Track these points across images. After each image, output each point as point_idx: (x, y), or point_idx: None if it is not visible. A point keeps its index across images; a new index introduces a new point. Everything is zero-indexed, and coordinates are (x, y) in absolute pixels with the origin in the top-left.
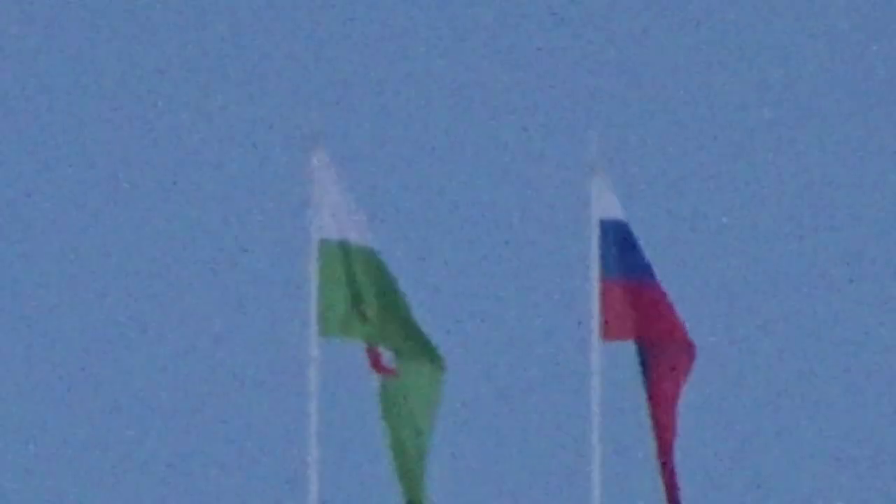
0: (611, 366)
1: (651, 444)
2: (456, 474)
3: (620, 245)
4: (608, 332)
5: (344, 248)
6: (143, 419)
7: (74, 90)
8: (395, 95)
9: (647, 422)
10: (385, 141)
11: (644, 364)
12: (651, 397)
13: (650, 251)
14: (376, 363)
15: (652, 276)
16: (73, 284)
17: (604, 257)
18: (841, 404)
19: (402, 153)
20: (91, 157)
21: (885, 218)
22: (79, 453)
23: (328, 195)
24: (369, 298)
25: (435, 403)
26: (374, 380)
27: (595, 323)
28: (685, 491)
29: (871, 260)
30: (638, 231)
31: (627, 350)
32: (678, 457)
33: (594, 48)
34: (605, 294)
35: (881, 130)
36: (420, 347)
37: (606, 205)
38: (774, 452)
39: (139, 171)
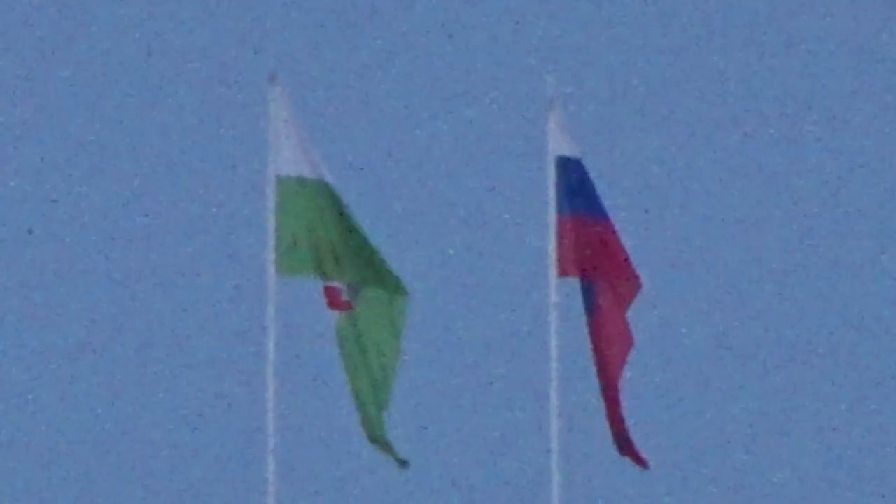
0: (567, 302)
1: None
2: (416, 409)
3: (576, 182)
4: (563, 268)
5: (301, 183)
6: (95, 358)
7: (41, 32)
8: (351, 32)
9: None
10: (341, 77)
11: (589, 302)
12: (595, 334)
13: (605, 188)
14: (334, 300)
15: (604, 213)
16: (36, 224)
17: (559, 194)
18: (788, 345)
19: (359, 89)
20: (47, 99)
21: (842, 174)
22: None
23: (285, 131)
24: (328, 232)
25: (400, 332)
26: (333, 317)
27: (551, 259)
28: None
29: (820, 199)
30: (594, 168)
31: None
32: (626, 398)
33: None
34: (560, 231)
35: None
36: (381, 277)
37: (563, 142)
38: (722, 390)
39: (93, 108)
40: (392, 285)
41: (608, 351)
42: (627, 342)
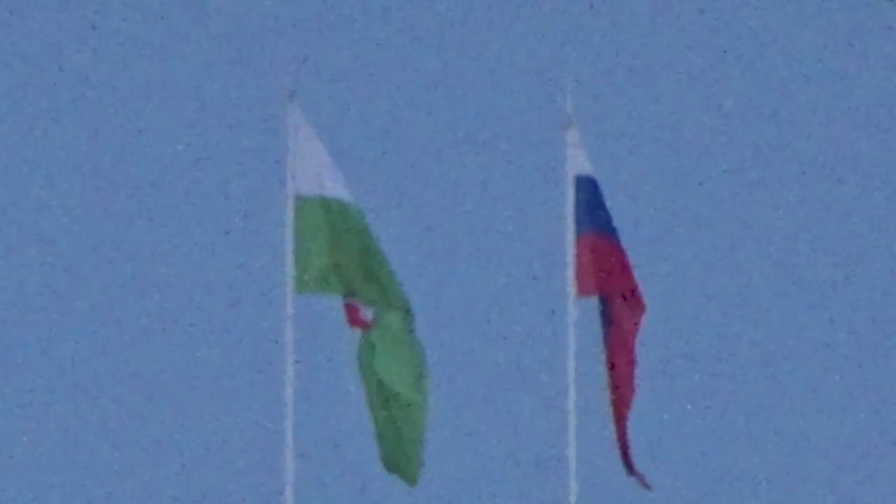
0: (585, 321)
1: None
2: (433, 427)
3: (592, 201)
4: (582, 287)
5: (321, 203)
6: (113, 379)
7: (48, 37)
8: (370, 50)
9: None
10: (360, 96)
11: (605, 319)
12: (610, 351)
13: (620, 207)
14: (354, 317)
15: (616, 234)
16: (42, 238)
17: (578, 213)
18: (795, 361)
19: (377, 108)
20: (56, 112)
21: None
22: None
23: (304, 150)
24: (347, 252)
25: (417, 358)
26: (352, 336)
27: (570, 278)
28: (638, 447)
29: (839, 216)
30: (611, 187)
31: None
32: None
33: (568, 1)
34: (579, 249)
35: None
36: (395, 301)
37: (581, 160)
38: (728, 411)
39: (111, 128)
40: (403, 311)
41: (620, 369)
42: (633, 362)
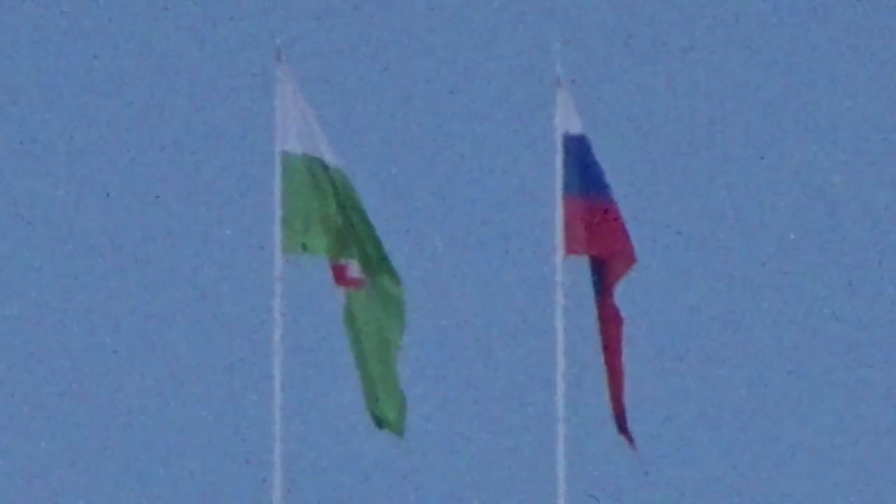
0: (573, 280)
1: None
2: (422, 389)
3: (583, 160)
4: (571, 247)
5: (308, 160)
6: (102, 340)
7: (38, 21)
8: (358, 10)
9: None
10: (349, 56)
11: (597, 281)
12: (602, 313)
13: (610, 167)
14: (342, 277)
15: (609, 193)
16: (34, 215)
17: (567, 173)
18: (786, 327)
19: (365, 66)
20: (52, 82)
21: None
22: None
23: (291, 109)
24: (333, 211)
25: (399, 317)
26: (340, 296)
27: (558, 238)
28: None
29: (820, 190)
30: (601, 147)
31: (588, 265)
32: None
33: None
34: (567, 209)
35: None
36: (380, 261)
37: (570, 120)
38: (720, 372)
39: (96, 87)
40: (388, 272)
41: (612, 330)
42: (620, 320)
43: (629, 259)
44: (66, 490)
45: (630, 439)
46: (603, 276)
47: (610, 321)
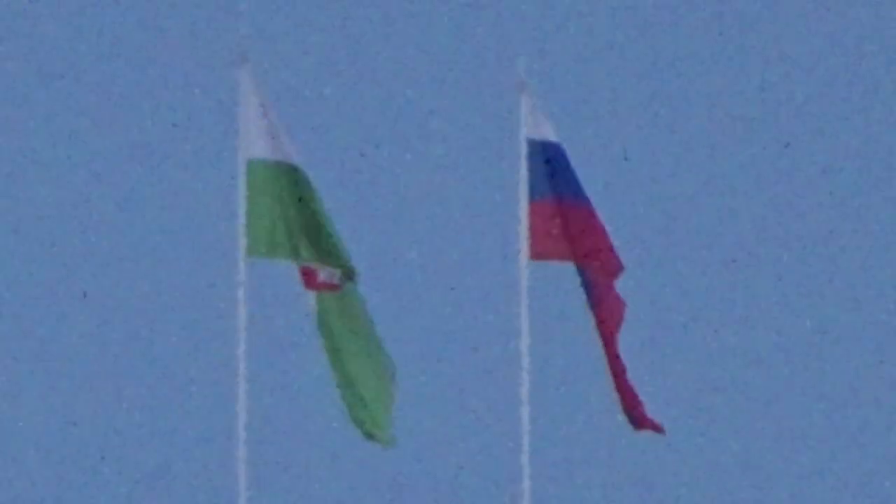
0: (538, 285)
1: (579, 364)
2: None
3: (553, 165)
4: (536, 251)
5: (272, 165)
6: (63, 344)
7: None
8: (322, 12)
9: (577, 340)
10: (312, 58)
11: (586, 286)
12: (597, 315)
13: (580, 170)
14: (311, 281)
15: (582, 196)
16: (3, 208)
17: (533, 178)
18: (773, 318)
19: (330, 70)
20: (6, 93)
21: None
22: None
23: (255, 114)
24: (299, 214)
25: (366, 319)
26: (309, 300)
27: (522, 242)
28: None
29: (805, 177)
30: (567, 150)
31: (555, 270)
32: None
33: None
34: (533, 214)
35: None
36: (342, 266)
37: (535, 124)
38: (711, 367)
39: (61, 89)
40: (349, 272)
41: (608, 330)
42: (618, 318)
43: (614, 261)
44: (32, 488)
45: (656, 428)
46: (589, 278)
47: (604, 323)
